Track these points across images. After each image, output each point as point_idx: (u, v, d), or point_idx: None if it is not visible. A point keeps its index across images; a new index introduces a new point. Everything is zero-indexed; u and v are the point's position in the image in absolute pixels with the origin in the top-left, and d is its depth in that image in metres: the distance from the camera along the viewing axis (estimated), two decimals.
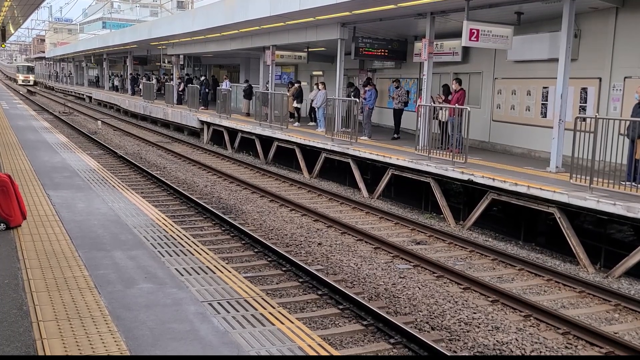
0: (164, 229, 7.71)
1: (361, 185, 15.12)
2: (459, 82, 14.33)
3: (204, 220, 11.54)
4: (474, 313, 7.53)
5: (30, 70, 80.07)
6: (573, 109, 12.95)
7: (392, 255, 9.86)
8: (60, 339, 4.33)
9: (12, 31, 25.21)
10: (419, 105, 14.66)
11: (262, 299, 5.51)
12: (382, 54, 18.62)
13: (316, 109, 20.42)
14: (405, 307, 7.66)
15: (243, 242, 10.14)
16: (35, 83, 79.50)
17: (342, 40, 17.71)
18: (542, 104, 14.46)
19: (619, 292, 8.43)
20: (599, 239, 10.22)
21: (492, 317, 7.45)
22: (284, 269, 8.82)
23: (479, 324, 7.20)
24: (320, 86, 20.15)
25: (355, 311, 7.27)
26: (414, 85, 19.67)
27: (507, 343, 6.74)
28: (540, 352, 6.59)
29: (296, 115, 22.17)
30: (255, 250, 9.71)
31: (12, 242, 6.64)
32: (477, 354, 6.48)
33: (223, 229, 10.94)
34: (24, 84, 74.51)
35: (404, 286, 8.41)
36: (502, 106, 15.79)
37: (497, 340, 6.78)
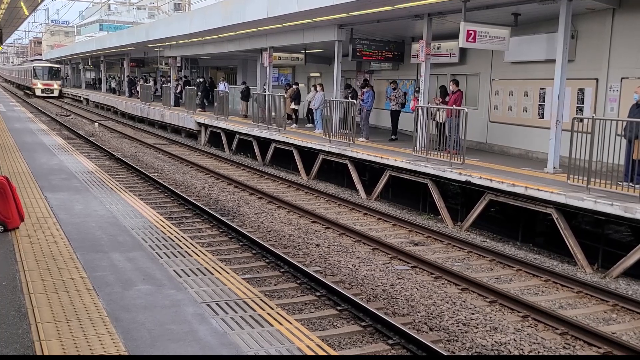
0: (162, 231, 7.70)
1: (359, 186, 15.12)
2: (457, 83, 14.35)
3: (202, 222, 11.53)
4: (472, 314, 7.54)
5: (54, 74, 55.37)
6: (570, 110, 12.98)
7: (390, 256, 9.86)
8: (58, 341, 4.32)
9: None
10: (416, 106, 14.68)
11: (261, 300, 5.51)
12: (380, 55, 18.64)
13: (314, 111, 20.42)
14: (403, 308, 7.66)
15: (241, 243, 10.14)
16: (61, 94, 56.08)
17: (340, 41, 17.73)
18: (540, 104, 14.48)
19: (616, 292, 8.44)
20: (596, 240, 10.24)
21: (490, 317, 7.45)
22: (282, 270, 8.82)
23: (477, 325, 7.21)
24: (318, 88, 20.16)
25: (353, 312, 7.27)
26: (411, 86, 19.68)
27: (505, 343, 6.74)
28: (539, 352, 6.60)
29: (294, 116, 22.17)
30: (254, 251, 9.70)
31: (9, 244, 6.63)
32: (475, 354, 6.49)
33: (221, 230, 10.94)
34: (44, 94, 53.68)
35: (402, 287, 8.42)
36: (499, 107, 15.82)
37: (495, 341, 6.78)
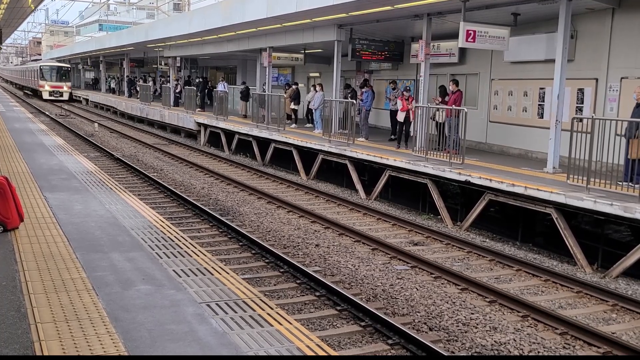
0: (161, 231, 7.70)
1: (358, 186, 15.12)
2: (456, 83, 14.35)
3: (201, 222, 11.52)
4: (472, 313, 7.54)
5: (63, 75, 49.14)
6: (570, 110, 12.98)
7: (389, 256, 9.86)
8: (58, 341, 4.32)
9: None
10: (416, 106, 14.66)
11: (261, 300, 5.51)
12: (379, 55, 18.65)
13: (313, 111, 20.43)
14: (403, 308, 7.66)
15: (241, 243, 10.13)
16: (72, 97, 50.10)
17: (339, 41, 17.73)
18: (539, 104, 14.48)
19: (616, 292, 8.44)
20: (596, 239, 10.24)
21: (489, 317, 7.45)
22: (281, 270, 8.81)
23: (477, 325, 7.20)
24: (318, 88, 20.16)
25: (353, 312, 7.27)
26: (410, 86, 19.67)
27: (505, 343, 6.74)
28: (538, 352, 6.60)
29: (293, 117, 22.18)
30: (253, 251, 9.70)
31: (9, 244, 6.62)
32: (475, 354, 6.49)
33: (220, 230, 10.93)
34: (53, 97, 47.73)
35: (401, 287, 8.41)
36: (499, 107, 15.82)
37: (495, 341, 6.78)
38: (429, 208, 13.56)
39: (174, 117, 27.86)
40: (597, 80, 12.90)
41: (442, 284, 8.65)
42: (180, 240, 7.32)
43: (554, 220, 10.02)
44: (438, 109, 13.90)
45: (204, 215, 11.89)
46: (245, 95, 25.52)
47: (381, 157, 14.00)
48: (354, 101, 16.55)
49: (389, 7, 13.93)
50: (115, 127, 30.29)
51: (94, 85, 56.62)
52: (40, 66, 49.58)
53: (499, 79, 15.84)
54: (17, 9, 22.93)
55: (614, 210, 8.97)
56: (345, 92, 19.15)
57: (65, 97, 48.79)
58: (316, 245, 10.38)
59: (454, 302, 7.89)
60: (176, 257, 6.60)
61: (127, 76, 43.36)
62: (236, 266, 8.83)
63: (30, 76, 55.09)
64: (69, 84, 49.86)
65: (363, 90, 17.70)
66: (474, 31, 12.74)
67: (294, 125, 21.43)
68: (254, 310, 5.22)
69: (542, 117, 14.29)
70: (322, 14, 15.94)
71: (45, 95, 47.97)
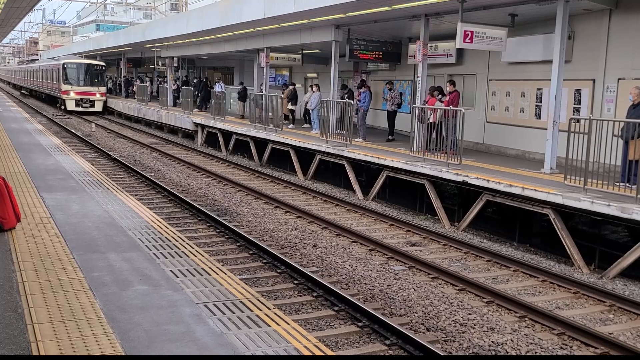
0: (158, 231, 7.68)
1: (356, 187, 15.12)
2: (453, 83, 14.35)
3: (198, 223, 11.51)
4: (469, 314, 7.54)
5: (96, 76, 36.38)
6: (567, 111, 13.00)
7: (387, 256, 9.86)
8: (55, 341, 4.31)
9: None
10: (413, 106, 14.66)
11: (258, 300, 5.49)
12: (377, 55, 18.66)
13: (311, 111, 20.43)
14: (400, 309, 7.66)
15: (238, 244, 10.12)
16: (106, 108, 37.53)
17: (337, 42, 17.74)
18: (537, 105, 14.51)
19: (613, 292, 8.45)
20: (593, 240, 10.24)
21: (487, 318, 7.45)
22: (279, 270, 8.80)
23: (474, 325, 7.20)
24: (315, 88, 20.16)
25: (350, 312, 7.26)
26: (408, 87, 19.70)
27: (502, 344, 6.74)
28: (536, 352, 6.60)
29: (290, 117, 22.18)
30: (251, 252, 9.69)
31: (6, 244, 6.60)
32: (473, 354, 6.49)
33: (218, 231, 10.92)
34: (82, 109, 35.55)
35: (399, 287, 8.41)
36: (496, 108, 15.84)
37: (492, 341, 6.78)
38: (427, 208, 13.56)
39: (171, 117, 27.84)
40: (594, 81, 12.92)
41: (440, 284, 8.66)
42: (177, 241, 7.30)
43: (552, 221, 10.03)
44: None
45: (202, 215, 11.88)
46: (242, 96, 25.52)
47: (379, 158, 14.00)
48: (352, 101, 16.55)
49: (386, 8, 13.94)
50: (112, 127, 30.25)
51: None
52: (63, 64, 36.07)
53: (496, 80, 15.86)
54: (14, 9, 22.87)
55: (611, 211, 8.98)
56: (342, 92, 19.17)
57: (98, 107, 36.25)
58: (313, 245, 10.37)
59: (451, 303, 7.89)
60: (173, 257, 6.59)
61: (124, 76, 43.31)
62: (234, 266, 8.82)
63: (47, 78, 41.41)
64: (103, 89, 36.79)
65: (361, 90, 17.71)
66: (472, 32, 12.76)
67: (291, 125, 21.42)
68: (252, 311, 5.21)
69: (539, 118, 14.31)
70: (319, 14, 15.95)
71: (71, 106, 35.60)
